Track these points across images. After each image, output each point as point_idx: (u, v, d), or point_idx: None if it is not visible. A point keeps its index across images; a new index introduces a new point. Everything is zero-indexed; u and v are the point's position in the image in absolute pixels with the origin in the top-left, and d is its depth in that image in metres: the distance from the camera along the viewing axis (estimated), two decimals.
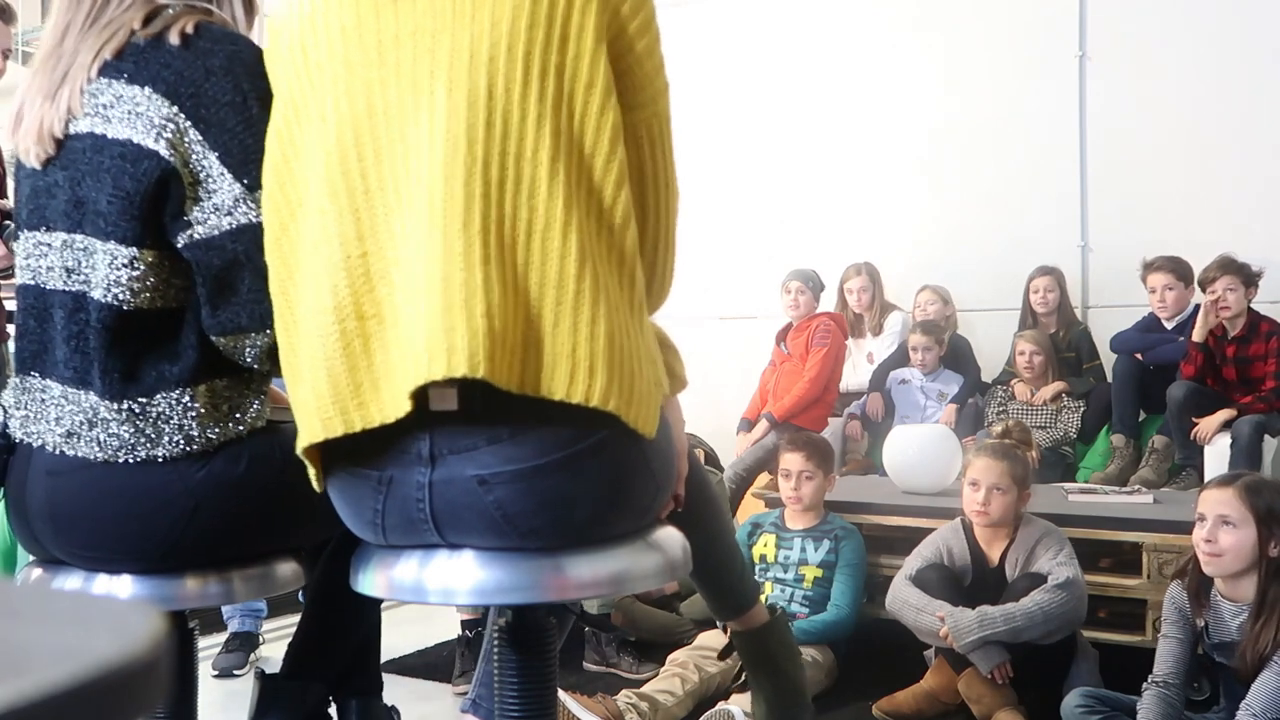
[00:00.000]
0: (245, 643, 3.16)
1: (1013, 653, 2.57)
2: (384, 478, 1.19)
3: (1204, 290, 4.13)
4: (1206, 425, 4.01)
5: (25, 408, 1.41)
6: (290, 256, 1.23)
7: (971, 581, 2.78)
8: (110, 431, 1.34)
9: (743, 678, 2.07)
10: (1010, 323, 4.90)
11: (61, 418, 1.37)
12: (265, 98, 1.33)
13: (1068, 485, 3.73)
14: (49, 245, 1.40)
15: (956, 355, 4.84)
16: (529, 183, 1.13)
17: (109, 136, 1.35)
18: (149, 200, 1.33)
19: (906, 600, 2.74)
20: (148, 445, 1.35)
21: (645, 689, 2.66)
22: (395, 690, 2.39)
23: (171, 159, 1.32)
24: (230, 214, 1.34)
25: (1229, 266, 4.06)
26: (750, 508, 3.82)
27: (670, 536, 1.32)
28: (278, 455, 1.38)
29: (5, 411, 1.45)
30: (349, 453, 1.21)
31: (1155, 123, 4.89)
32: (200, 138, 1.33)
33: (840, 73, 5.56)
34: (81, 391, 1.36)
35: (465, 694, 1.79)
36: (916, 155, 5.37)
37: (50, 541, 1.41)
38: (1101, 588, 2.87)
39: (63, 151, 1.39)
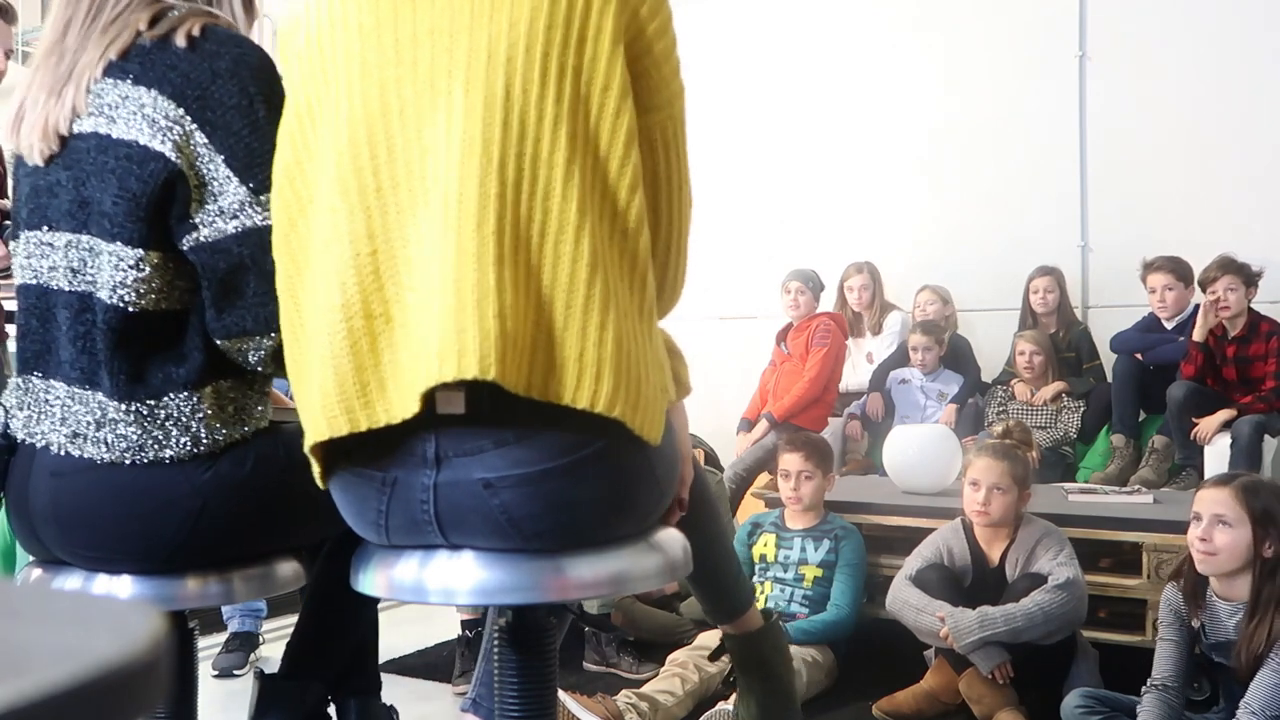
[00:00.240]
0: (245, 643, 3.16)
1: (1013, 653, 2.57)
2: (388, 479, 1.19)
3: (1204, 290, 4.13)
4: (1206, 425, 4.01)
5: (28, 408, 1.41)
6: (299, 254, 1.23)
7: (972, 582, 2.78)
8: (118, 432, 1.34)
9: (732, 678, 2.06)
10: (1010, 323, 4.90)
11: (67, 418, 1.37)
12: (272, 101, 1.33)
13: (1068, 485, 3.73)
14: (51, 245, 1.40)
15: (956, 355, 4.84)
16: (544, 184, 1.13)
17: (114, 137, 1.34)
18: (155, 202, 1.33)
19: (907, 600, 2.74)
20: (155, 447, 1.35)
21: (645, 689, 2.66)
22: (395, 690, 2.40)
23: (178, 161, 1.32)
24: (236, 217, 1.34)
25: (1229, 266, 4.05)
26: (750, 508, 3.82)
27: (671, 537, 1.32)
28: (281, 455, 1.38)
29: (6, 412, 1.44)
30: (352, 453, 1.21)
31: (1155, 123, 4.89)
32: (206, 140, 1.33)
33: (840, 73, 5.56)
34: (89, 392, 1.36)
35: (465, 694, 1.79)
36: (916, 155, 5.38)
37: (54, 542, 1.41)
38: (1101, 588, 2.87)
39: (66, 150, 1.39)
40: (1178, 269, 4.36)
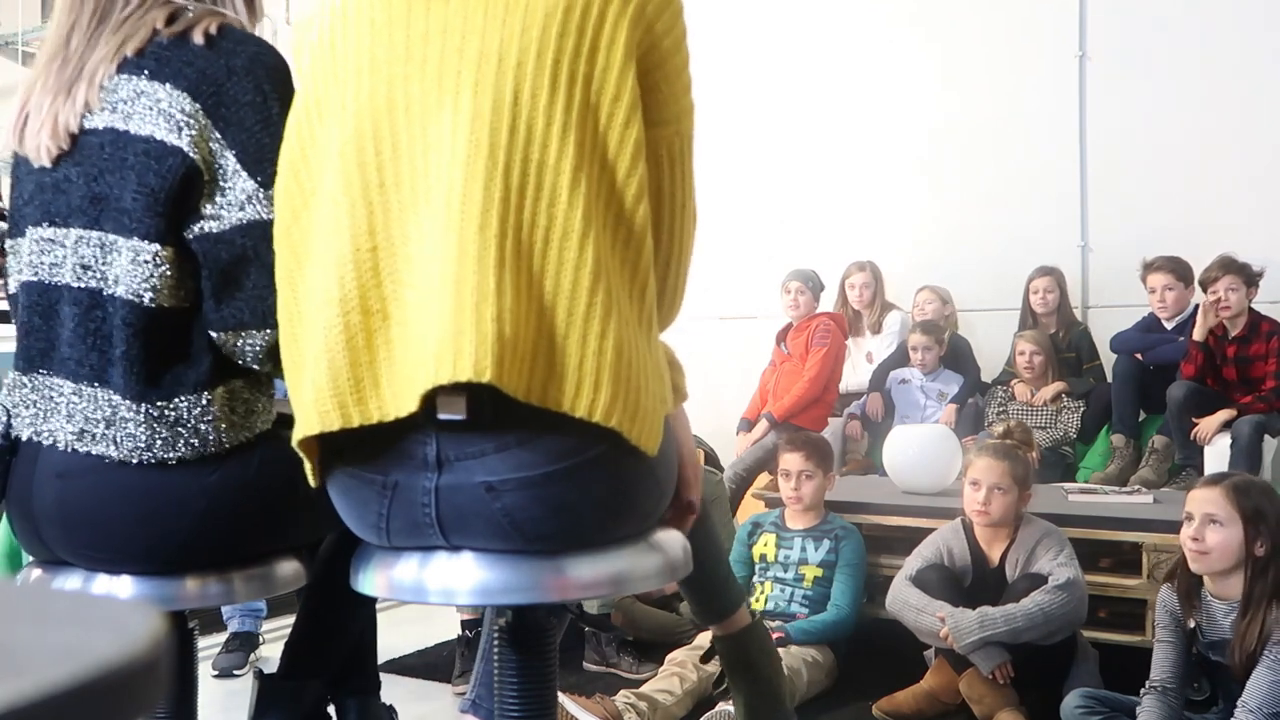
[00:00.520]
0: (245, 643, 3.16)
1: (1013, 653, 2.57)
2: (389, 482, 1.18)
3: (1205, 290, 4.13)
4: (1206, 425, 4.01)
5: (33, 406, 1.41)
6: (300, 247, 1.23)
7: (972, 582, 2.78)
8: (127, 431, 1.34)
9: (724, 682, 2.07)
10: (1010, 323, 4.90)
11: (74, 415, 1.37)
12: (285, 99, 1.33)
13: (1068, 485, 3.73)
14: (56, 241, 1.40)
15: (956, 355, 4.84)
16: (550, 190, 1.12)
17: (131, 133, 1.35)
18: (173, 198, 1.34)
19: (907, 601, 2.74)
20: (164, 448, 1.35)
21: (644, 689, 2.66)
22: (395, 690, 2.40)
23: (194, 156, 1.34)
24: (242, 209, 1.35)
25: (1230, 266, 4.05)
26: (750, 508, 3.82)
27: (670, 538, 1.32)
28: (285, 457, 1.38)
29: (8, 412, 1.44)
30: (347, 452, 1.20)
31: (1155, 123, 4.89)
32: (219, 136, 1.35)
33: (840, 72, 5.56)
34: (98, 389, 1.36)
35: (465, 694, 1.79)
36: (916, 155, 5.37)
37: (58, 544, 1.40)
38: (1101, 588, 2.87)
39: (76, 147, 1.39)
40: (1178, 269, 4.36)
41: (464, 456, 1.15)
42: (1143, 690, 2.33)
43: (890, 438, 3.64)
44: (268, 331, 1.34)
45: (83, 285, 1.37)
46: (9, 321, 1.54)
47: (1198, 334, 4.12)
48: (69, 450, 1.36)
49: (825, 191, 5.56)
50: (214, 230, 1.35)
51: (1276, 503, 2.26)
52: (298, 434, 1.20)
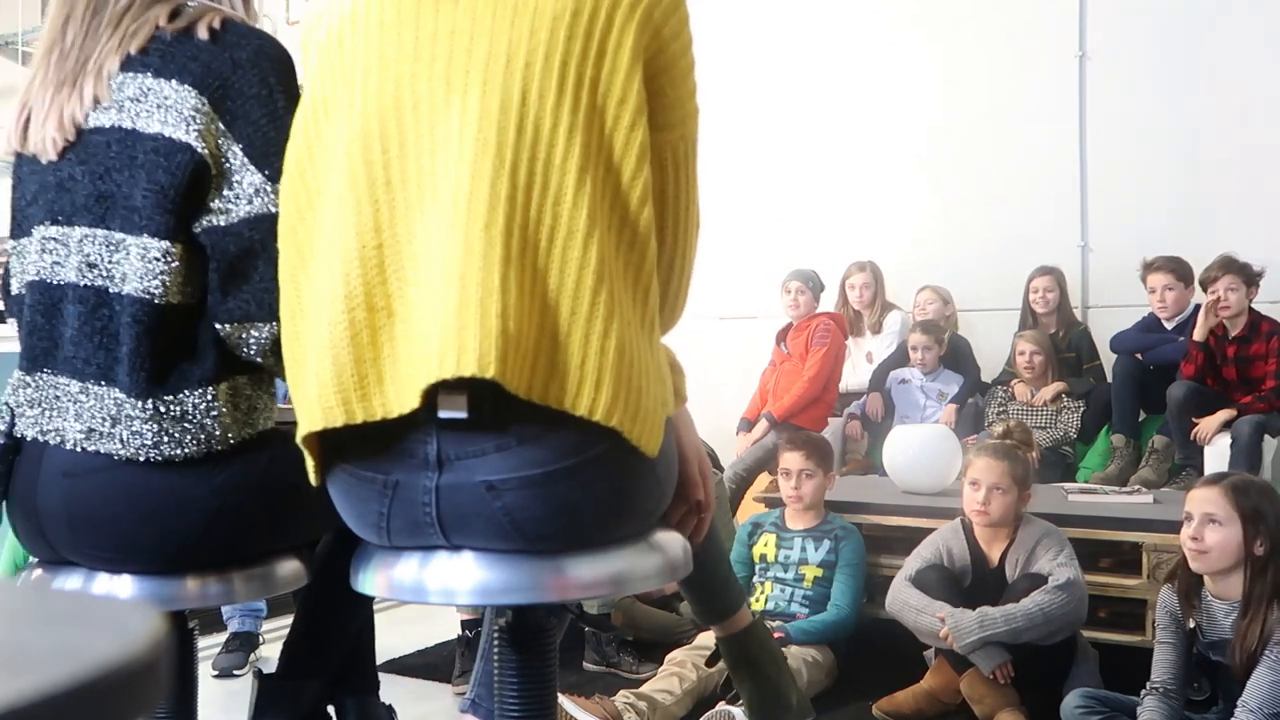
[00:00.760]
0: (245, 643, 3.16)
1: (1013, 653, 2.57)
2: (389, 482, 1.18)
3: (1205, 290, 4.12)
4: (1206, 425, 4.01)
5: (38, 405, 1.40)
6: (305, 244, 1.23)
7: (971, 582, 2.78)
8: (134, 429, 1.34)
9: (731, 684, 2.08)
10: (1010, 323, 4.90)
11: (81, 414, 1.36)
12: (291, 92, 1.34)
13: (1068, 485, 3.73)
14: (60, 240, 1.40)
15: (956, 355, 4.84)
16: (555, 190, 1.13)
17: (139, 131, 1.35)
18: (183, 194, 1.34)
19: (907, 601, 2.74)
20: (171, 445, 1.35)
21: (644, 689, 2.66)
22: (395, 690, 2.40)
23: (203, 151, 1.34)
24: (250, 202, 1.35)
25: (1230, 266, 4.05)
26: (750, 509, 3.82)
27: (671, 538, 1.32)
28: (291, 456, 1.38)
29: (12, 412, 1.44)
30: (348, 450, 1.21)
31: (1155, 122, 4.89)
32: (226, 129, 1.35)
33: (840, 71, 5.56)
34: (104, 387, 1.36)
35: (464, 694, 1.79)
36: (916, 154, 5.37)
37: (64, 544, 1.40)
38: (1101, 588, 2.87)
39: (80, 145, 1.39)
40: (1178, 269, 4.36)
41: (465, 455, 1.15)
42: (1143, 691, 2.34)
43: (890, 438, 3.64)
44: (273, 324, 1.35)
45: (88, 283, 1.37)
46: (6, 322, 1.54)
47: (1198, 334, 4.12)
48: (77, 449, 1.36)
49: (825, 191, 5.56)
50: (222, 223, 1.35)
51: (1276, 502, 2.27)
52: (300, 430, 1.20)
